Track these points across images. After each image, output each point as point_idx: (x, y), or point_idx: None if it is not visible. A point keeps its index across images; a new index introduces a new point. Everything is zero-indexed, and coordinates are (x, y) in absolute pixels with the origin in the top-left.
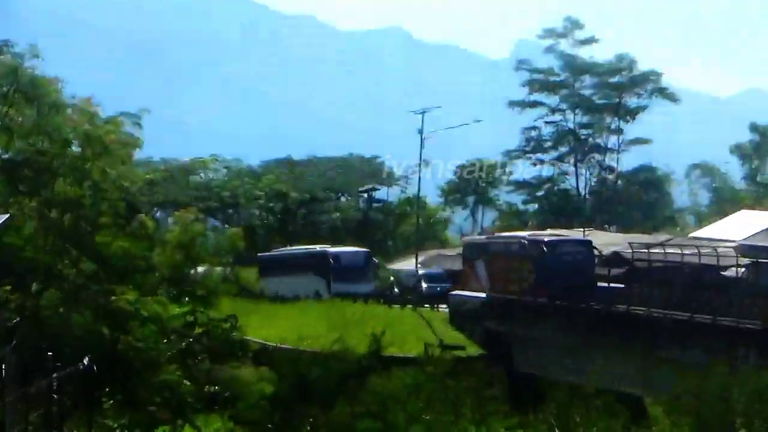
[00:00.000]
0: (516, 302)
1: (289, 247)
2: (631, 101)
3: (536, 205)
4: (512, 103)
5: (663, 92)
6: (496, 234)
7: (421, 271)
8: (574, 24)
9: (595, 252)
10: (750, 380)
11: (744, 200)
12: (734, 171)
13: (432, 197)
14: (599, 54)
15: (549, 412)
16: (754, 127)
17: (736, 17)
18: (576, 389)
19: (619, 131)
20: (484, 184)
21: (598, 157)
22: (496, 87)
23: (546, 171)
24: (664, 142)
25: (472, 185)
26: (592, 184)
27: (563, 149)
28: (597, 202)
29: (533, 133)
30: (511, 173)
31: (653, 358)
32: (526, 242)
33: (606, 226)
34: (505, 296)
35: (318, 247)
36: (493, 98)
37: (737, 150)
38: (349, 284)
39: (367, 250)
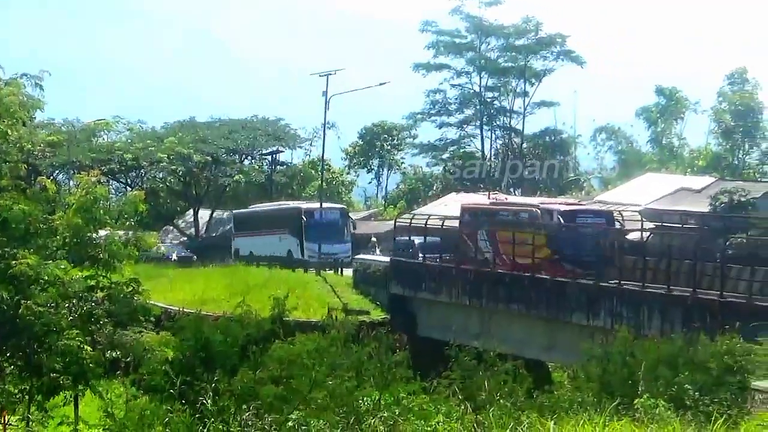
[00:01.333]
0: (421, 266)
1: (265, 204)
2: (537, 64)
3: (441, 168)
4: (418, 66)
5: (569, 55)
6: (501, 199)
7: (417, 240)
8: None
9: (618, 224)
10: (654, 345)
11: (649, 163)
12: (640, 134)
13: (337, 160)
14: (506, 16)
15: (453, 377)
16: (659, 90)
17: None
18: (480, 354)
19: (524, 94)
20: (388, 147)
21: (503, 120)
22: (404, 49)
23: (451, 134)
24: (571, 104)
25: (376, 148)
26: (498, 147)
27: (469, 112)
28: (503, 165)
29: (438, 96)
30: (416, 136)
31: (558, 323)
32: (538, 211)
33: (512, 189)
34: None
35: (292, 203)
36: (401, 61)
37: (643, 113)
38: (323, 244)
39: (344, 206)
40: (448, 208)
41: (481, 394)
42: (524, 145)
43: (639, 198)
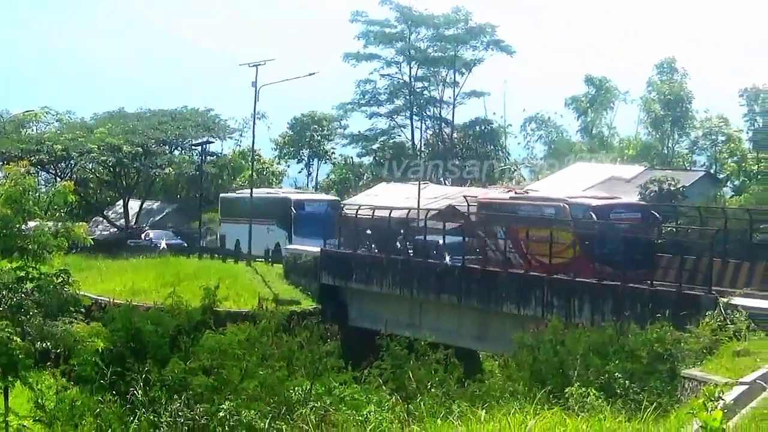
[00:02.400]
0: (351, 256)
1: (256, 190)
2: (467, 54)
3: (371, 158)
4: (348, 56)
5: (499, 45)
6: (521, 193)
7: (440, 240)
8: None
9: (655, 219)
10: (585, 334)
11: (579, 153)
12: (570, 124)
13: (267, 151)
14: (436, 6)
15: (384, 367)
16: (589, 80)
17: None
18: (411, 344)
19: (454, 84)
20: (319, 138)
21: (433, 110)
22: (336, 39)
23: (381, 124)
24: (501, 95)
25: (306, 138)
26: (428, 137)
27: (399, 102)
28: (433, 155)
29: (368, 86)
30: (346, 126)
31: (489, 313)
32: (567, 206)
33: (441, 179)
34: (341, 250)
35: (281, 192)
36: (333, 51)
37: (573, 103)
38: (312, 238)
39: (336, 198)
40: (378, 198)
41: (413, 383)
42: (454, 135)
43: (569, 186)
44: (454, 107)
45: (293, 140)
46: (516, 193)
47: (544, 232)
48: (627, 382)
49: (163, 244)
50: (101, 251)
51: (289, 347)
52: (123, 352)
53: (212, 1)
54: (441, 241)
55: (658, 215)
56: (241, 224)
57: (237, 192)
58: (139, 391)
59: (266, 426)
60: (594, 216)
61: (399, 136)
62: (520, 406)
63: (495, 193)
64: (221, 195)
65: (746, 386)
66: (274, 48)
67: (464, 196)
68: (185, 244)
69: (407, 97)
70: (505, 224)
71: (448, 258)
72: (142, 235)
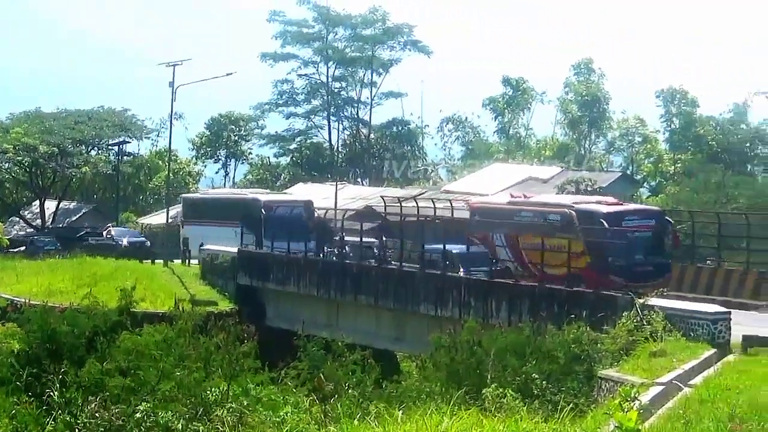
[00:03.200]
0: (268, 257)
1: (222, 190)
2: (385, 54)
3: (288, 159)
4: (265, 56)
5: (416, 45)
6: (520, 198)
7: (453, 250)
8: None
9: (671, 225)
10: (502, 334)
11: (496, 153)
12: (488, 124)
13: (184, 151)
14: (353, 6)
15: (301, 367)
16: (506, 80)
17: None
18: (329, 345)
19: (372, 84)
20: (236, 138)
21: (351, 110)
22: (255, 39)
23: (299, 124)
24: (418, 95)
25: (223, 139)
26: (345, 137)
27: (316, 102)
28: (350, 155)
29: (285, 86)
30: (263, 127)
31: (407, 314)
32: (573, 212)
33: (359, 179)
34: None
35: (250, 193)
36: (252, 51)
37: (490, 103)
38: (284, 241)
39: (309, 199)
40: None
41: (330, 384)
42: (372, 136)
43: (486, 187)
44: (371, 108)
45: (210, 140)
46: (512, 197)
47: (549, 240)
48: (544, 382)
49: (124, 242)
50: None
51: (206, 348)
52: (39, 354)
53: (128, 2)
54: (452, 250)
55: (671, 222)
56: (205, 226)
57: (201, 192)
58: (56, 393)
59: (183, 427)
60: (605, 223)
61: (316, 136)
62: (436, 406)
63: (490, 198)
64: (183, 195)
65: (662, 387)
66: (193, 48)
67: (381, 197)
68: (148, 243)
69: (325, 98)
70: (503, 231)
71: (462, 271)
72: (104, 233)
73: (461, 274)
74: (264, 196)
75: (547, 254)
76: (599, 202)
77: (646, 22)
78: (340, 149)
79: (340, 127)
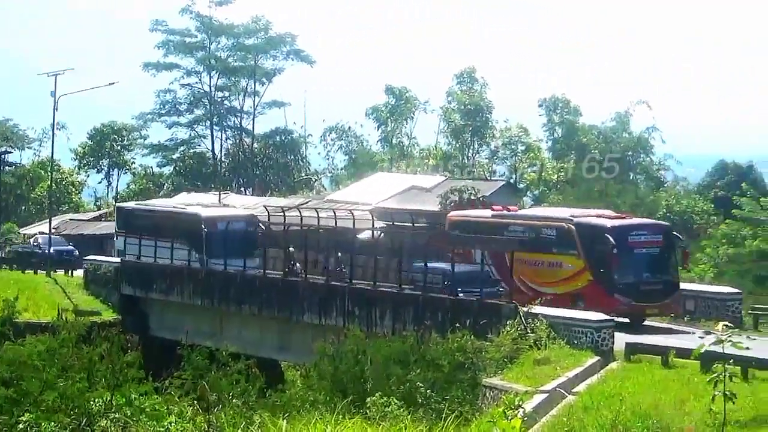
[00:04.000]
0: (152, 267)
1: (161, 201)
2: (268, 63)
3: (171, 168)
4: (147, 65)
5: (299, 54)
6: (506, 210)
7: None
8: None
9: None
10: (386, 343)
11: (380, 163)
12: (371, 133)
13: (67, 161)
14: (236, 16)
15: (185, 377)
16: (389, 89)
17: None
18: (213, 354)
19: (255, 94)
20: (118, 148)
21: (234, 119)
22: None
23: (182, 134)
24: (302, 105)
25: (106, 149)
26: (228, 147)
27: (199, 112)
28: (233, 165)
29: (168, 96)
30: (146, 136)
31: (291, 323)
32: (572, 226)
33: (242, 189)
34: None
35: (189, 208)
36: (136, 60)
37: (373, 112)
38: (229, 258)
39: (251, 213)
40: None
41: (214, 393)
42: (255, 145)
43: (370, 197)
44: (254, 117)
45: (93, 150)
46: (493, 209)
47: (544, 256)
48: (428, 391)
49: (50, 251)
50: None
51: (89, 358)
52: None
53: (8, 9)
54: (449, 270)
55: (680, 237)
56: (142, 241)
57: (138, 203)
58: None
59: None
60: (612, 239)
61: (199, 145)
62: (321, 415)
63: (472, 211)
64: (118, 204)
65: (546, 394)
66: (76, 58)
67: (265, 206)
68: (76, 252)
69: (208, 107)
70: (487, 247)
71: (462, 294)
72: (31, 241)
73: (461, 296)
74: (204, 210)
75: (540, 272)
76: (600, 216)
77: (530, 32)
78: (223, 159)
79: (224, 136)
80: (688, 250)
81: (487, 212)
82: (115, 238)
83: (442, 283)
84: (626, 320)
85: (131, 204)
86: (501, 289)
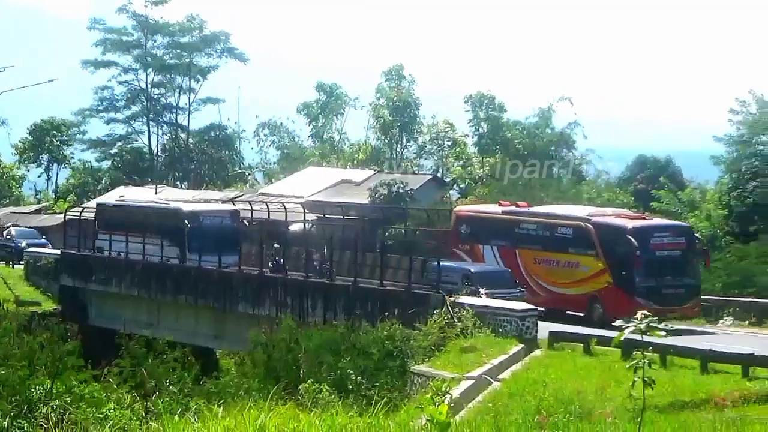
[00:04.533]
0: (91, 258)
1: (138, 198)
2: (202, 61)
3: (109, 163)
4: (86, 63)
5: (232, 52)
6: (516, 206)
7: (472, 269)
8: None
9: (700, 243)
10: (317, 332)
11: (311, 157)
12: (302, 129)
13: (7, 156)
14: (172, 15)
15: (123, 365)
16: (320, 86)
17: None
18: (150, 343)
19: (190, 90)
20: (58, 143)
21: (170, 115)
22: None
23: (119, 129)
24: (235, 101)
25: (46, 144)
26: (165, 142)
27: (136, 108)
28: (169, 159)
29: (106, 93)
30: (85, 132)
31: (226, 312)
32: (590, 225)
33: (178, 183)
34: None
35: (171, 203)
36: (75, 57)
37: (304, 108)
38: (209, 254)
39: (234, 208)
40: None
41: (151, 381)
42: (190, 140)
43: (302, 190)
44: (189, 113)
45: (33, 145)
46: (500, 205)
47: (559, 256)
48: (358, 378)
49: (23, 243)
50: None
51: (30, 347)
52: None
53: None
54: (471, 269)
55: (701, 238)
56: (121, 236)
57: (117, 199)
58: None
59: (7, 425)
60: (633, 240)
61: (136, 141)
62: (254, 402)
63: (480, 206)
64: (97, 201)
65: (472, 381)
66: (17, 56)
67: (200, 199)
68: (49, 245)
69: (144, 103)
70: (497, 244)
71: (483, 293)
72: (4, 233)
73: (483, 296)
74: (186, 206)
75: (555, 271)
76: (618, 216)
77: (457, 30)
78: (159, 153)
79: (160, 131)
80: (708, 250)
81: (497, 208)
82: (96, 237)
83: (462, 283)
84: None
85: (111, 201)
86: (522, 290)
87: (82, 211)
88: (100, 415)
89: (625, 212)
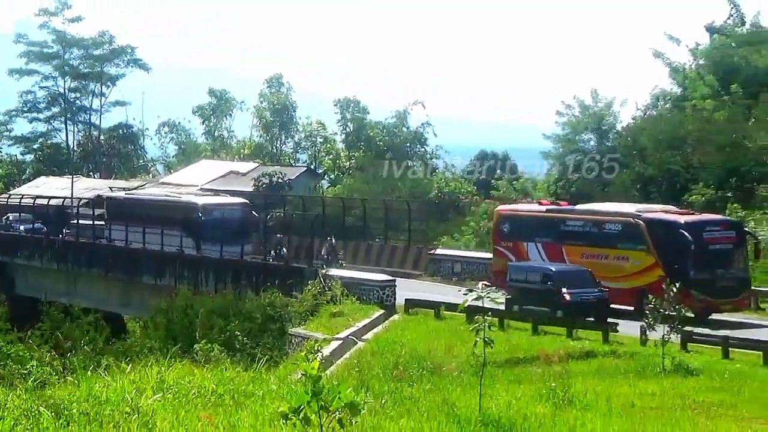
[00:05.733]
0: (16, 236)
1: (149, 190)
2: (112, 70)
3: (32, 157)
4: (12, 71)
5: (137, 63)
6: (556, 204)
7: (553, 268)
8: (64, 4)
9: (750, 236)
10: (210, 299)
11: (204, 152)
12: (197, 128)
13: None
14: (86, 30)
15: (44, 328)
16: (212, 92)
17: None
18: (68, 309)
19: (101, 95)
20: None
21: (84, 116)
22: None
23: (41, 128)
24: (140, 103)
25: None
26: (80, 138)
27: (55, 110)
28: (84, 153)
29: (30, 97)
30: (12, 130)
31: (133, 283)
32: (641, 221)
33: (91, 173)
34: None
35: (183, 196)
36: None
37: (199, 110)
38: (223, 244)
39: (246, 201)
40: (39, 189)
41: (68, 342)
42: (102, 138)
43: (196, 179)
44: (101, 114)
45: None
46: (541, 204)
47: (608, 251)
48: (244, 339)
49: (21, 228)
50: None
51: None
52: None
53: None
54: (552, 269)
55: (751, 232)
56: (134, 227)
57: (127, 192)
58: None
59: None
60: (687, 235)
61: (56, 138)
62: (156, 359)
63: (522, 205)
64: (107, 195)
65: (341, 341)
66: None
67: (110, 187)
68: (44, 229)
69: (62, 106)
70: (543, 241)
71: (567, 295)
72: (3, 218)
73: (567, 298)
74: (201, 199)
75: (603, 266)
76: (666, 212)
77: (330, 41)
78: (75, 148)
79: (76, 130)
80: (759, 243)
81: (539, 207)
82: (106, 228)
83: (543, 283)
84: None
85: (120, 194)
86: (604, 290)
87: (9, 198)
88: (24, 371)
89: (671, 208)
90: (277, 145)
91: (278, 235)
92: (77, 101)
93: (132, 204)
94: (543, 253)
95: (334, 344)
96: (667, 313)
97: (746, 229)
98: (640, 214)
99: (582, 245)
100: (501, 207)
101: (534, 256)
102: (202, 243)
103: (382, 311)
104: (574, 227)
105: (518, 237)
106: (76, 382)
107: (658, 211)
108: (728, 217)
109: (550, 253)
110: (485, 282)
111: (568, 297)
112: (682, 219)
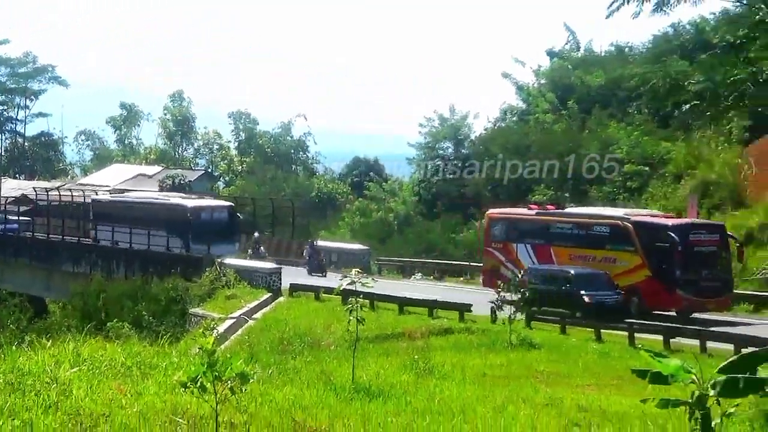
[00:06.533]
0: None
1: (136, 193)
2: (35, 86)
3: None
4: None
5: (57, 79)
6: (542, 207)
7: (572, 271)
8: None
9: (733, 239)
10: (121, 284)
11: (116, 157)
12: (110, 136)
13: None
14: (13, 51)
15: None
16: (123, 105)
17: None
18: None
19: (26, 107)
20: None
21: (10, 125)
22: None
23: None
24: (60, 115)
25: None
26: (6, 145)
27: None
28: (10, 158)
29: None
30: None
31: (54, 270)
32: (629, 224)
33: (17, 176)
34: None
35: (171, 198)
36: None
37: (111, 121)
38: (211, 244)
39: (231, 203)
40: None
41: None
42: (26, 144)
43: (109, 181)
44: (25, 124)
45: None
46: (531, 208)
47: (597, 253)
48: (150, 318)
49: None
50: None
51: None
52: None
53: None
54: (572, 272)
55: (734, 236)
56: (119, 230)
57: (112, 194)
58: None
59: None
60: (674, 237)
61: None
62: (73, 336)
63: (512, 209)
64: (93, 198)
65: (234, 320)
66: None
67: (34, 188)
68: (16, 226)
69: None
70: (533, 243)
71: (587, 297)
72: None
73: (586, 299)
74: (189, 201)
75: (591, 266)
76: (653, 215)
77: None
78: (2, 154)
79: (3, 138)
80: (742, 245)
81: (528, 210)
82: (93, 229)
83: (562, 286)
84: (673, 313)
85: (106, 197)
86: (620, 292)
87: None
88: None
89: (657, 212)
90: (179, 152)
91: (256, 234)
92: (4, 113)
93: (117, 206)
94: (532, 253)
95: (228, 322)
96: (513, 296)
97: (730, 234)
98: (629, 217)
99: (570, 246)
100: (492, 210)
101: (523, 257)
102: (191, 243)
103: (269, 294)
104: (563, 229)
105: (508, 238)
106: (2, 356)
107: (645, 214)
108: (714, 221)
109: (539, 254)
110: (358, 269)
111: (588, 299)
112: (669, 222)
